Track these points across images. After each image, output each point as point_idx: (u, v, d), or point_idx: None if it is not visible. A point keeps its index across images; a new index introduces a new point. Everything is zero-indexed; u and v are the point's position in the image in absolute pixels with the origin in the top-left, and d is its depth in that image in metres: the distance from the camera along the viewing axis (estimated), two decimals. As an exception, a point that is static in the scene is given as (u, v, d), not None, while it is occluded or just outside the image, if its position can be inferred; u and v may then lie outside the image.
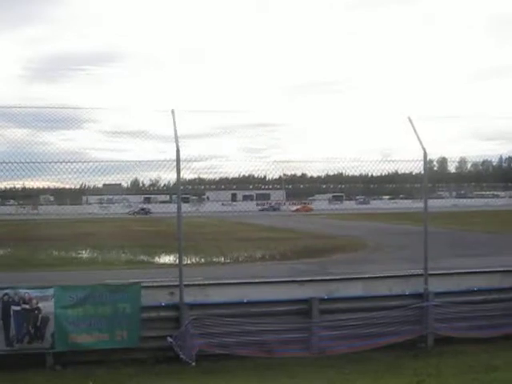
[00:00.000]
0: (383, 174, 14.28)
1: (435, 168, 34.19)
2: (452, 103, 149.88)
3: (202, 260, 28.56)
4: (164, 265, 27.41)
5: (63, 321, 10.69)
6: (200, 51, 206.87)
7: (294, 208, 66.03)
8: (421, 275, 12.37)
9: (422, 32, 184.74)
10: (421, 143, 12.25)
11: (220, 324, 11.11)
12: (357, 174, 15.05)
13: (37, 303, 10.59)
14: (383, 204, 44.99)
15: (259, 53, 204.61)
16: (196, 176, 14.90)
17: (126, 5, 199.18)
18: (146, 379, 9.93)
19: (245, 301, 11.57)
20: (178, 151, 11.18)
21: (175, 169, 11.37)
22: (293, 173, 20.81)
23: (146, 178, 16.70)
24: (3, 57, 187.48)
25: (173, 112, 11.62)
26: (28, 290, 10.72)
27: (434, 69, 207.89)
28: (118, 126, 14.65)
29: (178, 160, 11.21)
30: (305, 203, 68.76)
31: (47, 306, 10.63)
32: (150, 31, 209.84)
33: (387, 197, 44.02)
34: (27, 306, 10.56)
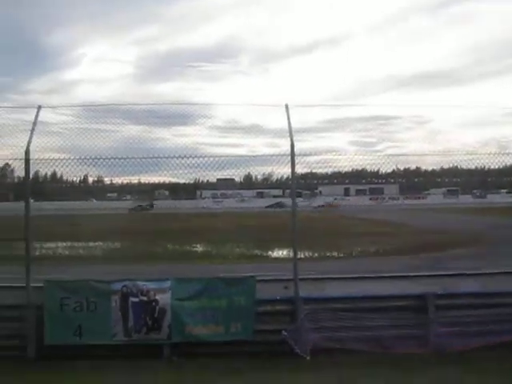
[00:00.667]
0: (501, 166, 13.68)
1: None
2: None
3: (316, 254, 28.36)
4: (278, 259, 27.30)
5: (179, 313, 10.90)
6: (310, 45, 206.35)
7: (316, 205, 65.62)
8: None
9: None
10: (543, 133, 11.70)
11: (335, 318, 10.98)
12: (473, 167, 14.54)
13: (154, 295, 10.87)
14: (501, 198, 43.42)
15: (371, 44, 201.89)
16: (308, 170, 14.80)
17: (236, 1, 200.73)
18: (260, 372, 9.94)
19: (360, 295, 11.43)
20: (292, 146, 11.14)
21: (288, 163, 11.33)
22: (407, 166, 20.43)
23: (258, 172, 16.75)
24: (119, 56, 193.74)
25: (286, 107, 11.59)
26: (146, 283, 11.03)
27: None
28: (231, 121, 14.78)
29: (292, 155, 11.17)
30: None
31: (164, 298, 10.89)
32: (260, 26, 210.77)
33: (505, 190, 42.50)
34: (145, 298, 10.86)
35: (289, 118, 11.44)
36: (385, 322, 11.16)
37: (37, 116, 11.34)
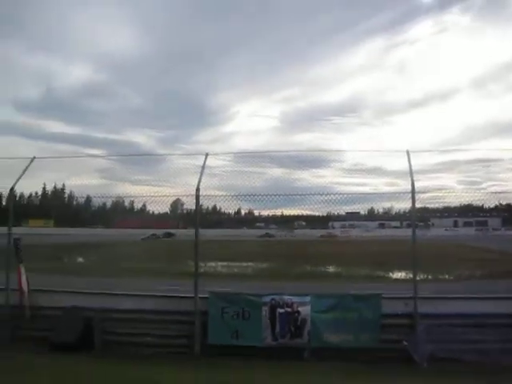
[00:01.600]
0: None
1: None
2: None
3: (429, 277, 27.41)
4: (397, 280, 26.77)
5: (317, 322, 10.88)
6: (423, 99, 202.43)
7: (319, 234, 63.32)
8: None
9: None
10: None
11: (449, 332, 10.58)
12: None
13: (297, 307, 10.94)
14: None
15: (475, 95, 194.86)
16: (422, 205, 14.48)
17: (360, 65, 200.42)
18: (384, 376, 9.72)
19: (470, 312, 10.95)
20: (413, 185, 10.97)
21: (405, 199, 11.17)
22: (508, 202, 19.49)
23: (380, 207, 16.55)
24: (267, 112, 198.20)
25: (408, 152, 11.47)
26: (290, 297, 11.13)
27: None
28: (357, 164, 14.73)
29: (413, 192, 10.99)
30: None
31: (305, 310, 10.91)
32: (380, 85, 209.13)
33: None
34: (289, 309, 10.94)
35: (409, 161, 11.28)
36: (492, 337, 10.60)
37: (205, 161, 11.83)
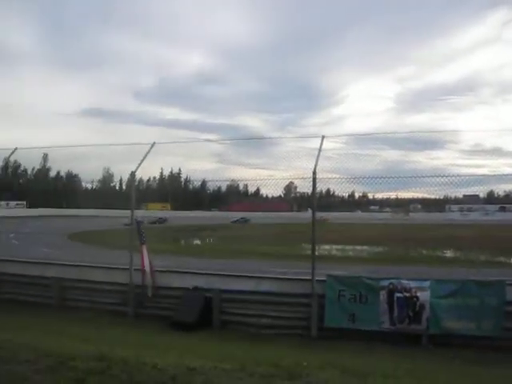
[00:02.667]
0: None
1: None
2: None
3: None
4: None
5: (437, 308, 10.53)
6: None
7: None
8: None
9: None
10: None
11: None
12: None
13: (415, 292, 10.64)
14: None
15: None
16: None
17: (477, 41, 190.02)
18: (504, 364, 9.26)
19: None
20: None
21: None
22: None
23: (500, 189, 15.74)
24: (380, 93, 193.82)
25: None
26: (408, 281, 10.88)
27: None
28: (475, 145, 14.15)
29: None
30: None
31: (424, 295, 10.60)
32: (498, 62, 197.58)
33: None
34: (408, 294, 10.67)
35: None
36: None
37: (321, 144, 11.69)
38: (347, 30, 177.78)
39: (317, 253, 12.09)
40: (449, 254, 33.76)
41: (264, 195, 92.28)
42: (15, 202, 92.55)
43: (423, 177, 11.83)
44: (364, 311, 10.91)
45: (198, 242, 48.65)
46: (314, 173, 11.29)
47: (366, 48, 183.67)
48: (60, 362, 5.08)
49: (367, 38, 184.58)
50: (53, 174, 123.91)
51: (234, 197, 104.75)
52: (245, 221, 78.74)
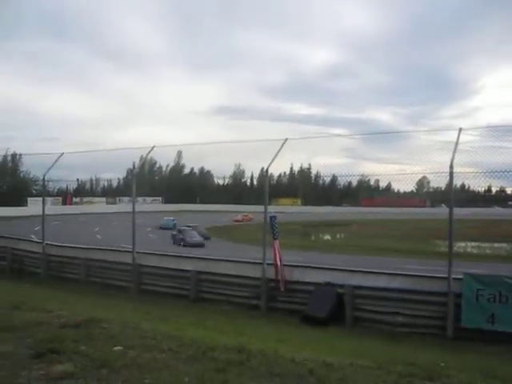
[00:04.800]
0: None
1: None
2: None
3: None
4: None
5: None
6: None
7: (235, 218, 53.77)
8: None
9: None
10: None
11: None
12: None
13: None
14: None
15: None
16: None
17: None
18: None
19: None
20: None
21: None
22: None
23: None
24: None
25: None
26: None
27: None
28: None
29: None
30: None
31: None
32: None
33: None
34: None
35: None
36: None
37: (458, 137, 11.28)
38: (483, 17, 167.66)
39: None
40: None
41: (395, 190, 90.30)
42: (151, 198, 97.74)
43: None
44: (504, 312, 10.29)
45: (328, 237, 48.67)
46: (451, 167, 10.87)
47: (503, 35, 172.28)
48: (202, 352, 5.30)
49: (505, 24, 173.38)
50: (187, 170, 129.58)
51: (365, 192, 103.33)
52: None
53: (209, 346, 5.65)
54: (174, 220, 51.62)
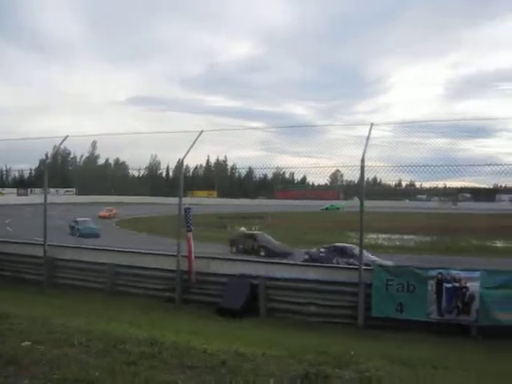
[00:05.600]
0: None
1: None
2: None
3: None
4: None
5: (486, 299, 10.28)
6: None
7: (101, 214, 53.42)
8: None
9: None
10: None
11: None
12: None
13: (465, 283, 10.42)
14: None
15: None
16: None
17: None
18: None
19: None
20: None
21: None
22: None
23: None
24: (430, 79, 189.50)
25: None
26: (458, 271, 10.66)
27: None
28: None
29: None
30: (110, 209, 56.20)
31: (474, 286, 10.36)
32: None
33: None
34: (457, 284, 10.46)
35: None
36: None
37: (369, 131, 11.57)
38: (397, 15, 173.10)
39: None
40: (499, 244, 33.01)
41: (310, 183, 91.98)
42: (64, 189, 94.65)
43: (473, 165, 11.63)
44: (412, 301, 10.74)
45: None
46: (363, 161, 11.15)
47: (417, 33, 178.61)
48: (112, 345, 5.19)
49: (418, 22, 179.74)
50: (101, 161, 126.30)
51: (280, 185, 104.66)
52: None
53: (120, 339, 5.55)
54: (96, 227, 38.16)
